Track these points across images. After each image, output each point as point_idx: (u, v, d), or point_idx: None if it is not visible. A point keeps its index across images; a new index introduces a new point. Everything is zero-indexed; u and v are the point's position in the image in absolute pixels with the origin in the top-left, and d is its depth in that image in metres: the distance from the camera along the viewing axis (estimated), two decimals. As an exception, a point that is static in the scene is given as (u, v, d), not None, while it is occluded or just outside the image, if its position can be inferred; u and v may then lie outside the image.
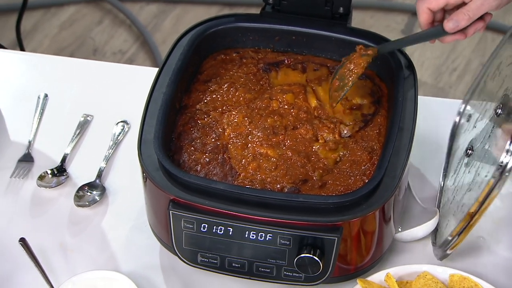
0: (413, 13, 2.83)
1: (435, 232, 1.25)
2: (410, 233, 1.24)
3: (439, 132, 1.40)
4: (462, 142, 1.31)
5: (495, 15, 1.19)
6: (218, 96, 1.28)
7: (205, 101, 1.27)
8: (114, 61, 2.68)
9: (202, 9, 2.87)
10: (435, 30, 1.19)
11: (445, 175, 1.33)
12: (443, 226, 1.23)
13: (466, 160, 1.25)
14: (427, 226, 1.23)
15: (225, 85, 1.29)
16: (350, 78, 1.23)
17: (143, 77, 1.47)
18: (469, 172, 1.22)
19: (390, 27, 2.80)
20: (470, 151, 1.24)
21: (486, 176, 1.11)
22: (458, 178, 1.26)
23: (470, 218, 1.13)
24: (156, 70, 1.28)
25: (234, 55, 1.34)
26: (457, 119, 1.36)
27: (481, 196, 1.10)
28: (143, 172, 1.17)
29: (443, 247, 1.19)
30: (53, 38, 2.76)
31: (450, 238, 1.17)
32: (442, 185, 1.32)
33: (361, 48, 1.24)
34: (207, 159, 1.19)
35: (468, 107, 1.35)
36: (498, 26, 2.74)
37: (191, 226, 1.13)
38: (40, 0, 2.82)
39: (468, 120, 1.33)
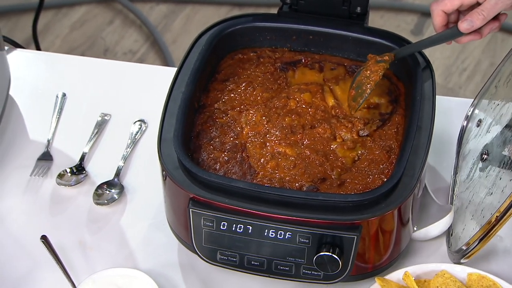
0: (423, 13, 2.83)
1: (450, 234, 1.25)
2: (425, 232, 1.24)
3: (451, 130, 1.39)
4: (474, 147, 1.30)
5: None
6: (236, 95, 1.28)
7: (223, 100, 1.27)
8: (125, 61, 2.68)
9: (211, 9, 2.87)
10: (451, 32, 1.19)
11: (454, 180, 1.32)
12: (460, 231, 1.23)
13: (480, 164, 1.25)
14: (441, 224, 1.23)
15: (243, 84, 1.29)
16: (368, 86, 1.22)
17: (158, 76, 1.48)
18: (486, 176, 1.21)
19: (400, 27, 2.80)
20: (485, 156, 1.24)
21: (511, 180, 1.10)
22: (474, 183, 1.25)
23: (491, 227, 1.12)
24: (171, 69, 1.28)
25: (251, 54, 1.35)
26: (464, 123, 1.36)
27: (504, 205, 1.10)
28: (162, 171, 1.17)
29: (459, 254, 1.19)
30: (64, 38, 2.77)
31: (465, 247, 1.18)
32: (453, 188, 1.32)
33: (372, 58, 1.24)
34: (226, 158, 1.20)
35: (476, 111, 1.35)
36: (509, 26, 2.73)
37: (210, 224, 1.14)
38: (51, 0, 2.82)
39: (478, 125, 1.32)
